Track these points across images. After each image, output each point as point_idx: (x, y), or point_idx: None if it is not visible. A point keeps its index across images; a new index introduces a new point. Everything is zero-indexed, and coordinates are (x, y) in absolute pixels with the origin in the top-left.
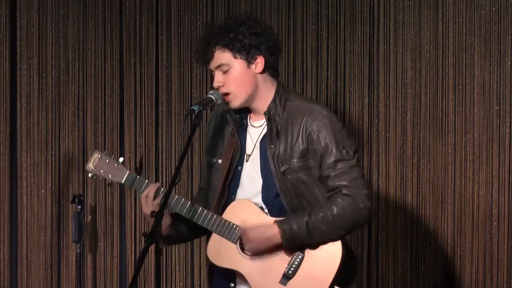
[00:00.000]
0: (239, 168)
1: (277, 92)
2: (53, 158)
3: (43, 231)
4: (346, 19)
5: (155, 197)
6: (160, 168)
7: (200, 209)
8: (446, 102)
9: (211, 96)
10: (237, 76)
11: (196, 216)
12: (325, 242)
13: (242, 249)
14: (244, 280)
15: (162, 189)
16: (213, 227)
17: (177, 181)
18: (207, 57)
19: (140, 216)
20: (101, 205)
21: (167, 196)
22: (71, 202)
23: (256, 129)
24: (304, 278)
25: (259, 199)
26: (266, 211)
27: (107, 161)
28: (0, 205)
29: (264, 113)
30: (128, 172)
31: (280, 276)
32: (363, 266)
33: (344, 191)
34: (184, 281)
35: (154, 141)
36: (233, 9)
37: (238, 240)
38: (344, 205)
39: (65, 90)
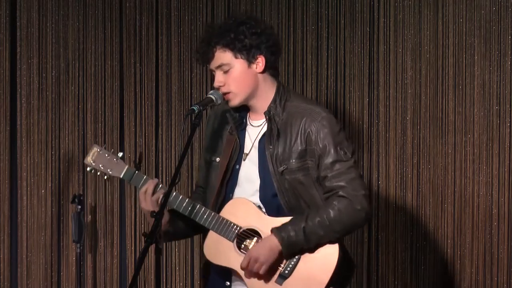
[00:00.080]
0: (237, 167)
1: (277, 92)
2: (53, 158)
3: (43, 231)
4: (346, 19)
5: (153, 193)
6: (160, 168)
7: (198, 206)
8: (446, 102)
9: (211, 96)
10: (238, 76)
11: (193, 213)
12: (322, 245)
13: (239, 247)
14: (240, 279)
15: (161, 185)
16: (210, 225)
17: (177, 181)
18: (207, 57)
19: (140, 216)
20: (101, 205)
21: (167, 195)
22: (71, 202)
23: (255, 128)
24: (300, 278)
25: (256, 199)
26: (264, 210)
27: (106, 155)
28: (0, 205)
29: (264, 113)
30: (127, 167)
31: (276, 275)
32: (363, 266)
33: (341, 193)
34: (184, 281)
35: (154, 141)
36: (233, 9)
37: (235, 239)
38: (341, 207)
39: (65, 90)
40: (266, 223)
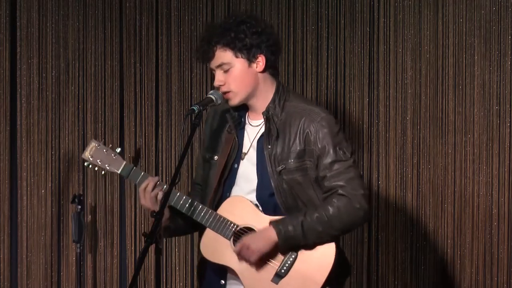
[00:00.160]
0: (235, 165)
1: (276, 92)
2: (53, 158)
3: (43, 231)
4: (346, 19)
5: (152, 189)
6: (160, 168)
7: (195, 203)
8: (446, 102)
9: (211, 96)
10: (238, 75)
11: (191, 211)
12: (320, 243)
13: (235, 245)
14: (236, 277)
15: (159, 182)
16: (207, 223)
17: (177, 181)
18: (207, 56)
19: (140, 216)
20: (101, 205)
21: (167, 195)
22: (71, 202)
23: (254, 128)
24: (296, 277)
25: (253, 198)
26: (261, 208)
27: (104, 150)
28: (0, 205)
29: (263, 113)
30: (125, 162)
31: (272, 274)
32: (363, 266)
33: (340, 191)
34: (184, 281)
35: (154, 141)
36: (233, 9)
37: (232, 237)
38: (340, 205)
39: (65, 90)
40: (263, 222)
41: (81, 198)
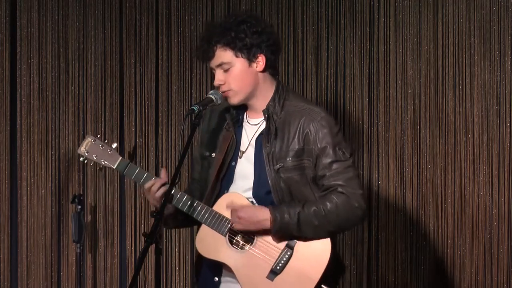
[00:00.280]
0: (233, 163)
1: (276, 91)
2: (53, 158)
3: (43, 231)
4: (346, 19)
5: (158, 190)
6: (160, 168)
7: (191, 199)
8: (446, 102)
9: (211, 96)
10: (238, 75)
11: (186, 206)
12: (314, 237)
13: (231, 242)
14: (231, 274)
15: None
16: (203, 219)
17: (177, 181)
18: (208, 56)
19: (140, 216)
20: (101, 205)
21: (167, 196)
22: (71, 202)
23: (253, 126)
24: (291, 274)
25: (250, 195)
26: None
27: (100, 146)
28: (0, 205)
29: (263, 111)
30: (121, 158)
31: (268, 271)
32: (363, 266)
33: (340, 190)
34: (184, 281)
35: (154, 141)
36: (233, 9)
37: (228, 233)
38: (338, 202)
39: (65, 90)
40: None
41: (81, 198)
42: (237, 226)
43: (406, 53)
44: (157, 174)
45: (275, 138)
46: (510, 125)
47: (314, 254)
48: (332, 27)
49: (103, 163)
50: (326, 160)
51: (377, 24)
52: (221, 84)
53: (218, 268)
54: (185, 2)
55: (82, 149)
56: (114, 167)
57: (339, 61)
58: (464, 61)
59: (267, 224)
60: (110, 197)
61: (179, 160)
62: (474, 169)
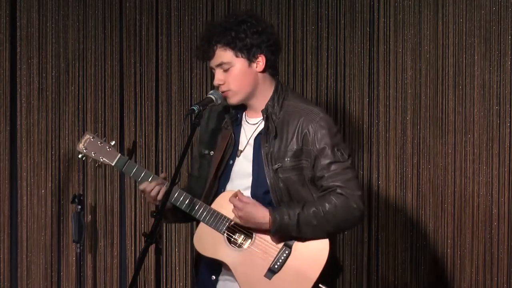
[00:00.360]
0: (231, 162)
1: (275, 91)
2: (53, 158)
3: (43, 231)
4: (346, 19)
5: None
6: (160, 168)
7: (189, 197)
8: (446, 102)
9: (211, 96)
10: (238, 75)
11: (185, 204)
12: (313, 238)
13: (229, 240)
14: (229, 272)
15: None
16: (201, 217)
17: (177, 181)
18: (208, 55)
19: (140, 216)
20: (101, 205)
21: (167, 196)
22: (71, 202)
23: (251, 126)
24: (289, 273)
25: (248, 194)
26: None
27: (99, 143)
28: (0, 205)
29: (262, 111)
30: (119, 155)
31: (266, 270)
32: (363, 266)
33: (338, 191)
34: (184, 281)
35: (154, 141)
36: (233, 9)
37: (226, 231)
38: (337, 203)
39: (65, 90)
40: None
41: (81, 198)
42: (236, 221)
43: (406, 53)
44: (157, 174)
45: (274, 138)
46: (510, 125)
47: (312, 253)
48: (332, 27)
49: (101, 160)
50: (325, 161)
51: (377, 24)
52: (220, 84)
53: (216, 266)
54: (185, 2)
55: (81, 146)
56: (113, 164)
57: (339, 61)
58: (464, 61)
59: (266, 225)
60: (110, 197)
61: (179, 160)
62: (474, 169)
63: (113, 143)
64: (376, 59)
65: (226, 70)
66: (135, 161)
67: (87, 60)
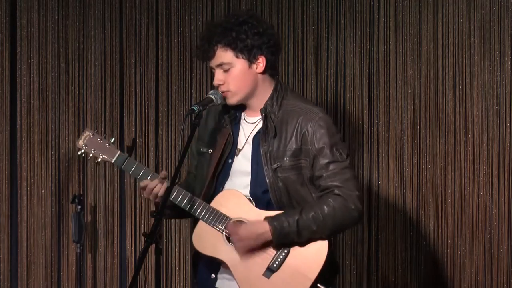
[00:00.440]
0: (230, 161)
1: (274, 90)
2: (53, 158)
3: (43, 231)
4: (346, 19)
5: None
6: (160, 168)
7: (188, 195)
8: (446, 102)
9: (211, 96)
10: (238, 75)
11: (184, 202)
12: (313, 240)
13: (228, 239)
14: (227, 271)
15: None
16: (200, 215)
17: (177, 181)
18: (208, 55)
19: (140, 216)
20: (101, 205)
21: (167, 196)
22: (71, 202)
23: (250, 125)
24: (288, 272)
25: (246, 193)
26: (254, 203)
27: (98, 140)
28: (0, 205)
29: (261, 110)
30: (119, 152)
31: (264, 268)
32: (363, 266)
33: (336, 191)
34: (184, 281)
35: (154, 141)
36: (233, 9)
37: (225, 230)
38: (335, 205)
39: (65, 90)
40: (257, 216)
41: (81, 198)
42: (240, 250)
43: (406, 53)
44: (156, 173)
45: (273, 137)
46: (510, 125)
47: (311, 253)
48: (332, 27)
49: (101, 156)
50: (323, 161)
51: (377, 24)
52: (220, 84)
53: (215, 264)
54: (185, 2)
55: (81, 142)
56: (112, 161)
57: (339, 61)
58: (464, 61)
59: (268, 236)
60: (110, 197)
61: (179, 160)
62: (474, 169)
63: (112, 140)
64: (376, 59)
65: (226, 71)
66: (135, 159)
67: (87, 60)
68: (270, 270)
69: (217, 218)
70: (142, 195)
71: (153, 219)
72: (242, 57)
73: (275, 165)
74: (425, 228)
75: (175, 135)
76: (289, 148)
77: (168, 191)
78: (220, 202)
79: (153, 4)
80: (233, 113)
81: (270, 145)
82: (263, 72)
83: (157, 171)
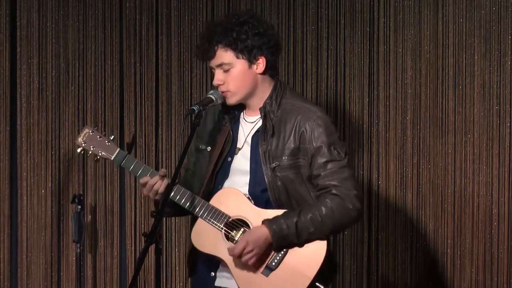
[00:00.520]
0: (229, 159)
1: (274, 90)
2: (53, 158)
3: (43, 231)
4: (346, 19)
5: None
6: (160, 168)
7: (188, 193)
8: (446, 102)
9: (211, 96)
10: (238, 76)
11: (183, 200)
12: (312, 240)
13: (227, 236)
14: (226, 269)
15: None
16: (199, 213)
17: (177, 181)
18: (208, 55)
19: (140, 216)
20: (101, 205)
21: (167, 196)
22: (71, 202)
23: (249, 124)
24: (286, 271)
25: (245, 192)
26: (253, 202)
27: (98, 137)
28: (0, 205)
29: (260, 109)
30: (118, 149)
31: (263, 267)
32: (363, 266)
33: (334, 191)
34: (184, 281)
35: (154, 141)
36: (233, 9)
37: (224, 228)
38: (333, 205)
39: (65, 90)
40: (256, 214)
41: (81, 198)
42: (251, 260)
43: (406, 53)
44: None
45: (272, 136)
46: (510, 125)
47: (310, 251)
48: (332, 27)
49: (100, 153)
50: (321, 160)
51: (377, 24)
52: (220, 84)
53: (214, 262)
54: (185, 2)
55: (80, 140)
56: (112, 159)
57: (339, 61)
58: (464, 61)
59: (269, 239)
60: (110, 197)
61: (179, 160)
62: (474, 169)
63: (112, 137)
64: (376, 59)
65: (226, 71)
66: (135, 156)
67: (87, 60)
68: (269, 269)
69: (216, 216)
70: (142, 194)
71: (153, 219)
72: (242, 57)
73: (274, 164)
74: (425, 228)
75: (175, 135)
76: (287, 147)
77: (168, 190)
78: (220, 200)
79: (153, 4)
80: (232, 112)
81: (269, 144)
82: (263, 73)
83: (157, 171)
